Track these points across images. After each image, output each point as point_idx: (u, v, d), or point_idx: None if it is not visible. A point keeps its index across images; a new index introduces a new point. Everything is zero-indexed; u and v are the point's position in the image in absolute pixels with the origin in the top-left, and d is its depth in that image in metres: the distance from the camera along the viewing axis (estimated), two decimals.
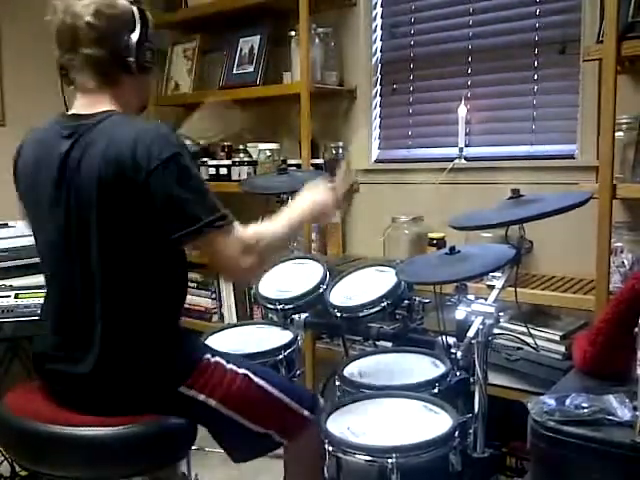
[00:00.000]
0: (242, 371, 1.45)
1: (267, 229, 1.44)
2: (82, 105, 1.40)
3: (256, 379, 1.46)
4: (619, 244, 1.90)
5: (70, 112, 1.41)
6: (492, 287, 1.55)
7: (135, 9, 1.39)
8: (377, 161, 2.73)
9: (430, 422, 1.39)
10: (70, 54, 1.37)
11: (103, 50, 1.35)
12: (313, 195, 1.60)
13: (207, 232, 1.31)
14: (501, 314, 1.49)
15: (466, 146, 2.37)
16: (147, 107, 1.57)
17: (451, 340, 1.64)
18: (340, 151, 2.69)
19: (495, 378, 1.95)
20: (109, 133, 1.32)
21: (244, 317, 2.88)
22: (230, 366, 1.45)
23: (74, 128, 1.36)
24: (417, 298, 1.78)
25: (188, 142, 1.37)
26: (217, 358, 1.45)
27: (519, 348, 2.03)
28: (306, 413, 1.51)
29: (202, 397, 1.39)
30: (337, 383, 1.62)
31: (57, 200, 1.35)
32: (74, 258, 1.36)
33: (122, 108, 1.40)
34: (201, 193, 1.32)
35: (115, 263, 1.33)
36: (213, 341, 1.83)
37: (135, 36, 1.37)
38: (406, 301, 1.78)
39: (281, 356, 1.74)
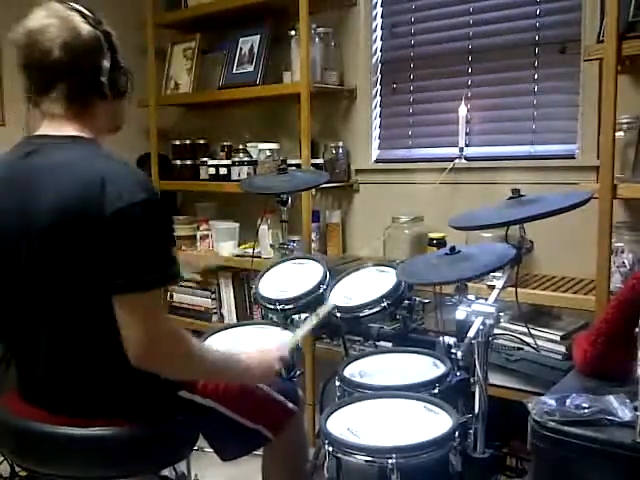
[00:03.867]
0: None
1: (194, 343, 1.31)
2: (48, 127, 1.35)
3: None
4: (620, 244, 1.90)
5: (36, 134, 1.36)
6: (492, 287, 1.55)
7: (100, 34, 1.31)
8: (377, 161, 2.73)
9: (430, 422, 1.39)
10: (40, 86, 1.34)
11: (74, 80, 1.31)
12: (257, 362, 1.45)
13: (150, 288, 1.22)
14: (501, 314, 1.49)
15: (466, 146, 2.37)
16: (121, 128, 1.47)
17: (451, 340, 1.64)
18: (340, 151, 2.69)
19: (495, 378, 1.94)
20: (75, 164, 1.26)
21: (244, 317, 2.88)
22: None
23: (38, 145, 1.32)
24: (417, 298, 1.78)
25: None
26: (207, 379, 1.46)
27: (519, 348, 2.03)
28: (290, 405, 1.54)
29: (203, 400, 1.41)
30: (337, 383, 1.62)
31: (8, 220, 1.29)
32: (26, 284, 1.30)
33: (92, 133, 1.35)
34: (160, 248, 1.23)
35: (64, 296, 1.27)
36: (213, 341, 1.83)
37: (107, 62, 1.32)
38: (406, 301, 1.77)
39: None
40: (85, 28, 1.30)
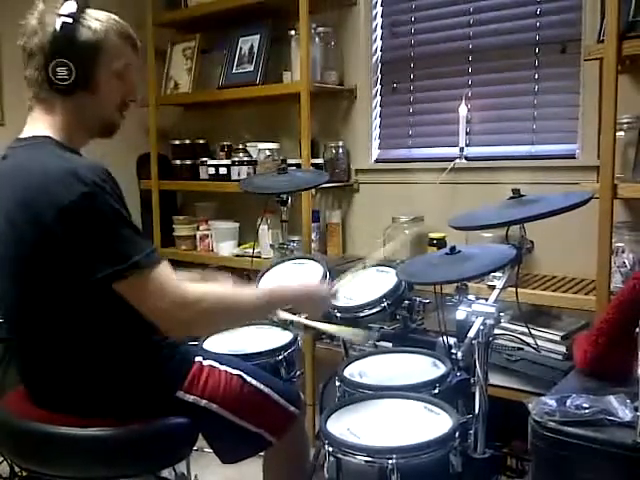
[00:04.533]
0: (236, 372, 1.47)
1: (217, 293, 1.33)
2: (26, 128, 1.37)
3: (249, 379, 1.48)
4: (620, 244, 1.90)
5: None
6: (493, 287, 1.55)
7: (59, 21, 1.28)
8: (377, 161, 2.73)
9: (430, 423, 1.39)
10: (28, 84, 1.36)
11: (30, 70, 1.33)
12: (309, 287, 1.51)
13: (127, 275, 1.20)
14: (502, 314, 1.48)
15: (467, 146, 2.36)
16: (113, 131, 1.43)
17: (451, 340, 1.64)
18: (340, 151, 2.69)
19: (496, 378, 1.94)
20: (26, 167, 1.27)
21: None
22: (224, 368, 1.47)
23: (7, 150, 1.35)
24: (417, 298, 1.78)
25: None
26: (209, 361, 1.47)
27: (520, 348, 2.03)
28: (292, 409, 1.53)
29: (202, 402, 1.40)
30: (337, 384, 1.62)
31: None
32: (12, 289, 1.33)
33: (62, 133, 1.33)
34: (107, 241, 1.20)
35: (38, 305, 1.29)
36: (213, 342, 1.82)
37: (47, 49, 1.28)
38: (406, 301, 1.77)
39: (281, 357, 1.73)
40: (48, 17, 1.30)
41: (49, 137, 1.32)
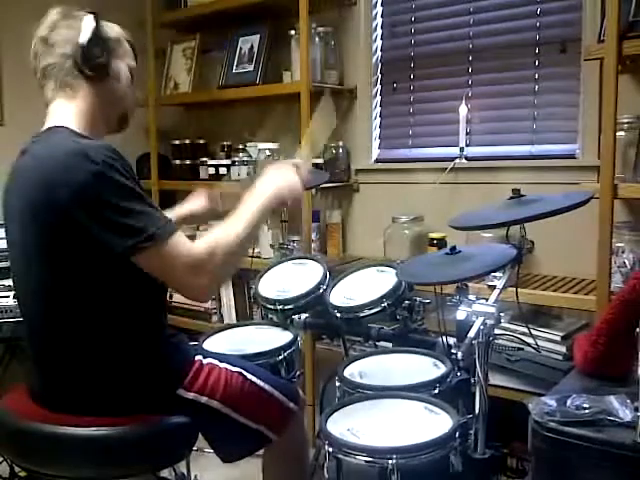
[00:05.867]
0: (236, 369, 1.48)
1: (222, 237, 1.34)
2: (47, 122, 1.40)
3: (249, 376, 1.49)
4: (620, 244, 1.90)
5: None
6: (493, 287, 1.54)
7: (90, 17, 1.37)
8: (377, 161, 2.73)
9: (430, 423, 1.39)
10: (39, 74, 1.40)
11: (54, 57, 1.37)
12: (275, 178, 1.48)
13: (145, 247, 1.23)
14: (502, 314, 1.48)
15: (467, 146, 2.36)
16: (127, 123, 1.51)
17: (452, 341, 1.64)
18: (340, 151, 2.69)
19: (496, 379, 1.94)
20: (41, 154, 1.31)
21: (244, 317, 2.88)
22: (224, 365, 1.48)
23: (27, 144, 1.38)
24: (418, 298, 1.77)
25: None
26: (209, 359, 1.48)
27: (520, 349, 2.03)
28: (292, 405, 1.54)
29: (202, 399, 1.40)
30: (337, 384, 1.61)
31: (12, 215, 1.37)
32: (29, 279, 1.36)
33: (82, 122, 1.38)
34: (122, 216, 1.23)
35: (60, 287, 1.30)
36: (213, 342, 1.82)
37: (84, 37, 1.35)
38: (406, 301, 1.77)
39: (281, 357, 1.73)
40: (77, 12, 1.39)
41: (66, 127, 1.36)
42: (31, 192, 1.29)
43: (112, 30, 1.44)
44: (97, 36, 1.37)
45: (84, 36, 1.35)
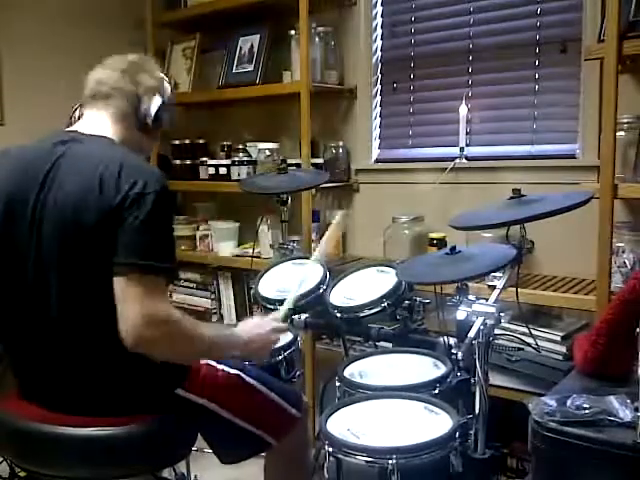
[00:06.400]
0: (234, 372, 1.48)
1: (192, 327, 1.32)
2: (82, 125, 1.45)
3: (248, 379, 1.49)
4: (620, 244, 1.90)
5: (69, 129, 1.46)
6: (493, 287, 1.54)
7: (164, 76, 1.54)
8: (377, 161, 2.73)
9: (431, 423, 1.39)
10: (96, 100, 1.47)
11: (127, 104, 1.46)
12: (253, 331, 1.49)
13: (140, 273, 1.24)
14: (502, 314, 1.48)
15: (467, 145, 2.36)
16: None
17: (452, 341, 1.64)
18: (340, 151, 2.69)
19: (496, 379, 1.94)
20: (95, 154, 1.33)
21: (244, 317, 2.87)
22: (222, 367, 1.48)
23: (69, 136, 1.39)
24: (418, 298, 1.78)
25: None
26: (208, 360, 1.47)
27: (520, 349, 2.03)
28: (294, 411, 1.54)
29: (200, 400, 1.40)
30: (337, 384, 1.61)
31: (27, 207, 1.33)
32: (31, 278, 1.33)
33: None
34: (164, 238, 1.29)
35: (64, 287, 1.30)
36: None
37: (157, 102, 1.48)
38: (407, 301, 1.77)
39: (281, 357, 1.73)
40: (153, 68, 1.54)
41: (108, 137, 1.42)
42: (77, 192, 1.28)
43: (168, 89, 1.56)
44: (166, 104, 1.51)
45: (164, 97, 1.50)
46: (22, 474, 2.06)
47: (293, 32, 2.62)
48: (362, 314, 1.75)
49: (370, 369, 1.69)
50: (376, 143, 2.73)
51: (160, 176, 1.31)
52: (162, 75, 1.55)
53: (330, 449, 1.34)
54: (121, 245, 1.24)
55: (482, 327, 1.45)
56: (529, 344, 1.97)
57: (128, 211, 1.24)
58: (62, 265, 1.29)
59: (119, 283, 1.24)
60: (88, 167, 1.29)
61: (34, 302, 1.34)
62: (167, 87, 1.54)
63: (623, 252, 1.90)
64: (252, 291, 2.02)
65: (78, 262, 1.28)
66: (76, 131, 1.43)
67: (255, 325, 1.52)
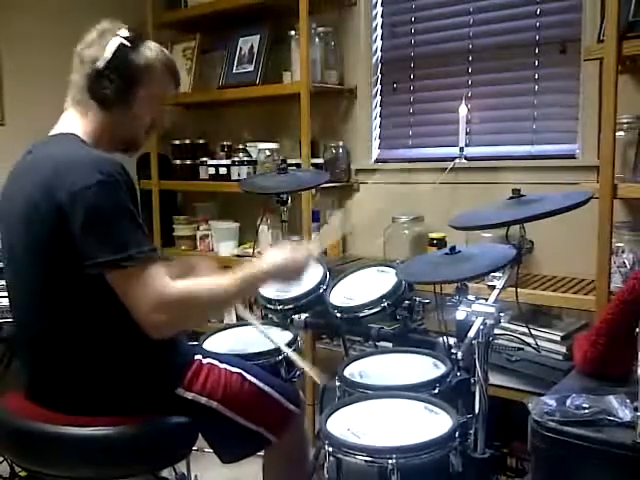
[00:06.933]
0: (236, 370, 1.49)
1: (201, 289, 1.33)
2: (57, 126, 1.44)
3: (249, 377, 1.49)
4: (620, 244, 1.90)
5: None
6: (493, 287, 1.54)
7: (116, 40, 1.38)
8: (377, 161, 2.73)
9: (430, 423, 1.39)
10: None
11: (77, 75, 1.40)
12: (276, 257, 1.47)
13: (121, 267, 1.23)
14: (502, 314, 1.48)
15: (467, 146, 2.36)
16: (136, 149, 1.53)
17: (452, 340, 1.64)
18: (340, 151, 2.69)
19: (496, 378, 1.94)
20: (49, 155, 1.34)
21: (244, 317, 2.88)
22: (224, 366, 1.48)
23: (33, 146, 1.41)
24: (417, 298, 1.78)
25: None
26: (209, 359, 1.48)
27: (520, 348, 2.03)
28: (292, 407, 1.54)
29: (202, 399, 1.41)
30: (337, 384, 1.61)
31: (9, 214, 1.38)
32: (27, 279, 1.36)
33: (89, 137, 1.40)
34: (110, 229, 1.24)
35: (59, 286, 1.31)
36: (213, 342, 1.82)
37: (100, 63, 1.36)
38: (406, 301, 1.77)
39: (281, 357, 1.73)
40: (109, 36, 1.39)
41: (76, 135, 1.39)
42: (33, 191, 1.29)
43: (141, 56, 1.41)
44: (112, 64, 1.37)
45: (100, 62, 1.36)
46: (22, 474, 2.07)
47: (293, 32, 2.62)
48: (362, 314, 1.75)
49: (370, 369, 1.69)
50: (376, 143, 2.74)
51: (101, 166, 1.26)
52: (113, 38, 1.39)
53: (330, 449, 1.34)
54: (87, 245, 1.23)
55: (482, 327, 1.45)
56: (529, 344, 1.97)
57: (74, 210, 1.23)
58: (35, 273, 1.33)
59: (111, 281, 1.25)
60: (38, 171, 1.31)
61: (29, 304, 1.36)
62: (110, 48, 1.37)
63: (623, 252, 1.90)
64: None
65: (48, 270, 1.30)
66: (47, 136, 1.43)
67: (279, 254, 1.49)
